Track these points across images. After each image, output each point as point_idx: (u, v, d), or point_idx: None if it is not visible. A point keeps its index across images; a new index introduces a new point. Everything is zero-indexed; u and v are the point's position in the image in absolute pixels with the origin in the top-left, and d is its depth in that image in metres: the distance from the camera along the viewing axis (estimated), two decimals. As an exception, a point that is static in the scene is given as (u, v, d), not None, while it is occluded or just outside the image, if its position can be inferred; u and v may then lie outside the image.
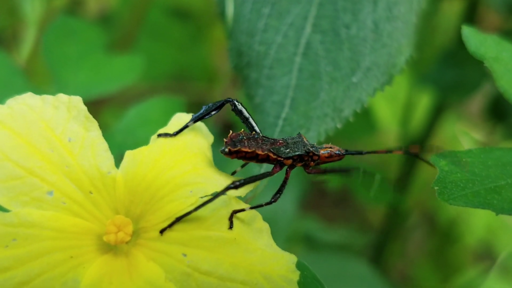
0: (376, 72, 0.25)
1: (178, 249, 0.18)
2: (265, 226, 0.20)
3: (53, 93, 0.19)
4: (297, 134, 0.21)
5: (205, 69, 0.73)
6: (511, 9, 0.43)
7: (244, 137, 0.20)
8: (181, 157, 0.20)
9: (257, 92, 0.25)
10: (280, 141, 0.21)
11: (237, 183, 0.19)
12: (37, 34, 0.36)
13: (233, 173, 0.22)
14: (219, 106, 0.21)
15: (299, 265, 0.19)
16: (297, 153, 0.20)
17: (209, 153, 0.21)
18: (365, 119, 0.52)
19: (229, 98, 0.21)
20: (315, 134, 0.24)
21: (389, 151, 0.22)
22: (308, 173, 0.22)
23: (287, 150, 0.20)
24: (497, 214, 0.19)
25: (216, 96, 0.69)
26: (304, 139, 0.21)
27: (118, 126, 0.30)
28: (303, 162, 0.21)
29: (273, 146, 0.20)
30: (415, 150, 0.21)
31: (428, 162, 0.21)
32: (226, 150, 0.20)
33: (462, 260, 0.70)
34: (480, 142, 0.41)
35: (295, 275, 0.19)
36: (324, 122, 0.24)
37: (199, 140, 0.21)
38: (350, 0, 0.25)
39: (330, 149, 0.21)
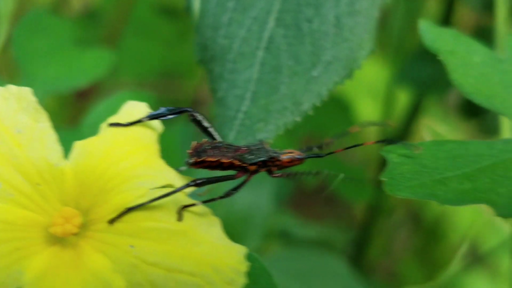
0: (336, 66, 0.25)
1: (125, 241, 0.18)
2: (216, 220, 0.20)
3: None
4: (259, 141, 0.22)
5: (193, 66, 0.73)
6: (486, 6, 0.43)
7: (208, 147, 0.21)
8: (133, 149, 0.20)
9: (220, 86, 0.26)
10: (243, 148, 0.21)
11: (199, 181, 0.20)
12: (10, 29, 0.36)
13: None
14: (177, 112, 0.22)
15: (249, 257, 0.20)
16: (261, 159, 0.21)
17: (158, 145, 0.21)
18: (344, 115, 0.52)
19: (188, 108, 0.22)
20: (273, 128, 0.24)
21: (360, 145, 0.22)
22: (272, 177, 0.22)
23: (251, 157, 0.21)
24: (441, 204, 0.19)
25: (203, 93, 0.69)
26: (266, 146, 0.22)
27: (86, 121, 0.30)
28: (267, 168, 0.21)
29: (237, 153, 0.21)
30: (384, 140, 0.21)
31: (404, 144, 0.21)
32: (191, 161, 0.20)
33: (447, 257, 0.70)
34: (445, 137, 0.41)
35: (244, 267, 0.19)
36: (284, 115, 0.24)
37: (149, 131, 0.21)
38: (313, -6, 0.25)
39: (291, 154, 0.21)
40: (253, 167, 0.21)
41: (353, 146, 0.22)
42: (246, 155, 0.21)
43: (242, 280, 0.19)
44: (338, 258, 0.45)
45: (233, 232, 0.43)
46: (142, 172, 0.19)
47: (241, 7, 0.26)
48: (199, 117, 0.21)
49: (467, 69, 0.23)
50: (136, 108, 0.21)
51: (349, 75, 0.25)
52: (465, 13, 0.50)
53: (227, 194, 0.21)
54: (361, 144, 0.22)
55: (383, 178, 0.20)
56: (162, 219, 0.19)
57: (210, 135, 0.22)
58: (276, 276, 0.44)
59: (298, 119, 0.24)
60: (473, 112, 0.44)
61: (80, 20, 0.65)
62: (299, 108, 0.24)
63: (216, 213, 0.44)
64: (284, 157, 0.21)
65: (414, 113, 0.50)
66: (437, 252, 0.73)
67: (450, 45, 0.23)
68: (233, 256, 0.19)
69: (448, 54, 0.23)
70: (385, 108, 0.55)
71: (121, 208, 0.19)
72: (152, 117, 0.21)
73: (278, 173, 0.22)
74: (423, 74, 0.46)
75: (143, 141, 0.20)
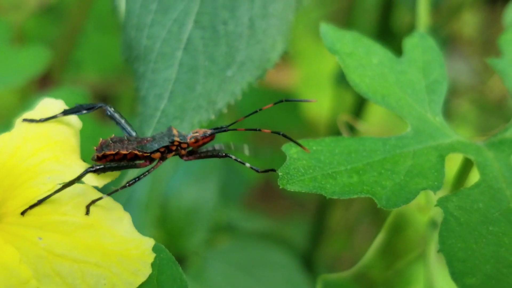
0: (250, 66, 0.26)
1: (34, 233, 0.20)
2: (126, 214, 0.21)
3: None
4: (167, 128, 0.23)
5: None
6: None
7: (111, 141, 0.22)
8: (43, 145, 0.21)
9: (143, 85, 0.27)
10: (148, 138, 0.22)
11: (97, 167, 0.21)
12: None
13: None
14: (91, 108, 0.23)
15: (156, 248, 0.21)
16: (163, 145, 0.22)
17: (74, 140, 0.22)
18: (293, 112, 0.54)
19: (102, 104, 0.23)
20: (188, 125, 0.25)
21: (257, 129, 0.24)
22: (185, 160, 0.23)
23: (153, 145, 0.22)
24: (327, 197, 0.21)
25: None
26: (174, 131, 0.23)
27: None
28: (174, 152, 0.23)
29: (139, 144, 0.22)
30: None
31: (296, 142, 0.23)
32: (94, 156, 0.22)
33: (407, 248, 0.72)
34: (359, 132, 0.43)
35: (150, 258, 0.20)
36: (198, 113, 0.26)
37: (63, 128, 0.22)
38: (229, -3, 0.27)
39: (196, 134, 0.23)
40: (156, 155, 0.22)
41: (250, 130, 0.24)
42: (147, 145, 0.22)
43: (148, 270, 0.20)
44: (284, 250, 0.47)
45: (180, 225, 0.45)
46: (51, 167, 0.21)
47: (163, 9, 0.28)
48: (113, 113, 0.23)
49: (365, 70, 0.25)
50: (52, 105, 0.23)
51: (262, 75, 0.27)
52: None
53: (129, 183, 0.22)
54: (259, 130, 0.23)
55: (280, 172, 0.22)
56: (70, 212, 0.20)
57: (124, 129, 0.23)
58: (222, 266, 0.46)
59: (212, 117, 0.26)
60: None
61: (39, 17, 0.66)
62: (214, 107, 0.26)
63: (163, 206, 0.45)
64: (190, 139, 0.22)
65: (360, 108, 0.52)
66: (398, 243, 0.75)
67: (349, 47, 0.25)
68: (139, 248, 0.21)
69: (346, 56, 0.25)
70: (334, 102, 0.57)
71: (30, 202, 0.20)
72: (66, 113, 0.22)
73: (189, 155, 0.23)
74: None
75: (55, 137, 0.22)
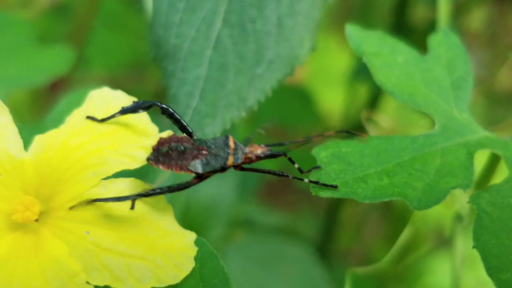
0: (279, 64, 0.27)
1: (82, 227, 0.21)
2: (168, 207, 0.22)
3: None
4: (225, 137, 0.22)
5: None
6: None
7: (170, 148, 0.21)
8: (87, 138, 0.22)
9: (173, 84, 0.28)
10: (203, 152, 0.22)
11: (150, 192, 0.21)
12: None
13: None
14: (147, 107, 0.23)
15: (198, 242, 0.22)
16: (216, 167, 0.22)
17: (125, 128, 0.22)
18: (307, 105, 0.55)
19: (157, 102, 0.23)
20: (220, 122, 0.26)
21: (322, 135, 0.23)
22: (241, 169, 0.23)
23: (203, 165, 0.22)
24: (360, 201, 0.22)
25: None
26: (229, 143, 0.22)
27: (49, 116, 0.32)
28: (224, 170, 0.22)
29: (195, 159, 0.21)
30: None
31: (354, 133, 0.23)
32: (149, 161, 0.21)
33: (416, 242, 0.73)
34: (386, 129, 0.44)
35: (193, 251, 0.21)
36: (230, 111, 0.26)
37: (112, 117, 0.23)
38: (257, -4, 0.28)
39: (249, 155, 0.22)
40: (210, 174, 0.22)
41: (315, 137, 0.23)
42: (197, 165, 0.21)
43: (191, 264, 0.21)
44: (299, 244, 0.48)
45: (198, 220, 0.46)
46: (94, 161, 0.22)
47: (190, 7, 0.29)
48: (169, 110, 0.23)
49: (391, 69, 0.25)
50: (102, 97, 0.23)
51: (291, 72, 0.27)
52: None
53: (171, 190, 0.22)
54: (322, 135, 0.23)
55: (311, 178, 0.22)
56: (115, 207, 0.21)
57: (183, 128, 0.22)
58: (240, 261, 0.46)
59: (243, 114, 0.27)
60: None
61: (48, 15, 0.66)
62: (244, 104, 0.27)
63: (181, 202, 0.46)
64: (242, 159, 0.22)
65: (373, 103, 0.53)
66: (407, 237, 0.76)
67: (374, 47, 0.26)
68: (182, 242, 0.21)
69: (372, 56, 0.25)
70: (347, 97, 0.57)
71: (77, 198, 0.21)
72: (123, 112, 0.23)
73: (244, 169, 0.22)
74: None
75: (100, 129, 0.22)
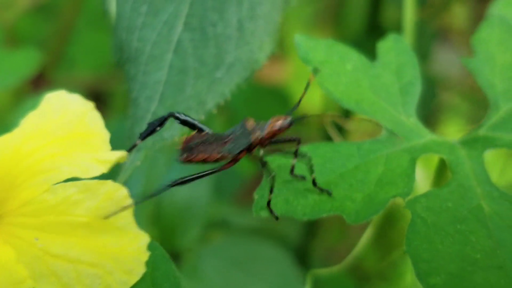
0: (238, 67, 0.27)
1: (31, 234, 0.21)
2: (129, 208, 0.22)
3: None
4: (243, 121, 0.23)
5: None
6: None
7: (198, 141, 0.23)
8: (41, 144, 0.22)
9: (134, 87, 0.28)
10: (230, 136, 0.23)
11: (179, 180, 0.22)
12: None
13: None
14: (162, 122, 0.24)
15: (150, 246, 0.22)
16: (245, 146, 0.23)
17: (84, 130, 0.22)
18: (286, 108, 0.55)
19: (171, 112, 0.24)
20: (179, 126, 0.26)
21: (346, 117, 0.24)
22: (265, 153, 0.24)
23: (236, 147, 0.23)
24: (299, 219, 0.22)
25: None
26: (249, 124, 0.23)
27: (11, 119, 0.32)
28: (254, 148, 0.23)
29: (225, 145, 0.23)
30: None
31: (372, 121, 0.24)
32: (183, 157, 0.22)
33: (401, 240, 0.73)
34: (347, 131, 0.44)
35: (145, 256, 0.21)
36: (189, 114, 0.27)
37: (68, 123, 0.23)
38: (218, 0, 0.28)
39: (275, 124, 0.23)
40: (242, 154, 0.23)
41: (339, 116, 0.25)
42: (231, 147, 0.23)
43: (142, 269, 0.21)
44: (277, 244, 0.48)
45: (174, 222, 0.46)
46: (47, 166, 0.22)
47: (153, 11, 0.29)
48: (183, 117, 0.24)
49: (339, 77, 0.26)
50: (57, 99, 0.23)
51: (250, 75, 0.28)
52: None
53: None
54: (347, 117, 0.24)
55: (256, 195, 0.22)
56: (65, 212, 0.21)
57: (199, 128, 0.23)
58: (216, 262, 0.47)
59: (202, 117, 0.27)
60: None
61: (31, 15, 0.66)
62: (203, 108, 0.27)
63: (157, 204, 0.46)
64: (267, 133, 0.23)
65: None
66: (391, 235, 0.76)
67: (323, 55, 0.26)
68: (135, 245, 0.21)
69: (319, 65, 0.26)
70: (325, 98, 0.58)
71: (28, 203, 0.21)
72: (143, 138, 0.23)
73: (268, 148, 0.24)
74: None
75: (56, 133, 0.22)
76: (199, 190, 0.46)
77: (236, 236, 0.48)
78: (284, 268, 0.46)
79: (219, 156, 0.23)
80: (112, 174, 0.27)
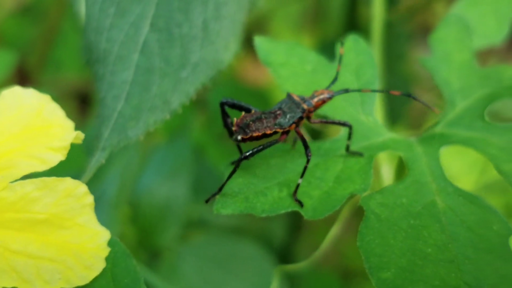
0: (203, 67, 0.28)
1: (-10, 230, 0.21)
2: (89, 201, 0.22)
3: None
4: (287, 96, 0.25)
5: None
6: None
7: (249, 121, 0.24)
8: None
9: (102, 87, 0.28)
10: (278, 112, 0.24)
11: (247, 154, 0.23)
12: None
13: None
14: (223, 113, 0.25)
15: (111, 242, 0.22)
16: (297, 117, 0.24)
17: (41, 124, 0.23)
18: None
19: (221, 101, 0.25)
20: (144, 125, 0.27)
21: (385, 91, 0.26)
22: (312, 123, 0.26)
23: (287, 120, 0.24)
24: (258, 216, 0.22)
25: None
26: (294, 97, 0.25)
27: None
28: (303, 120, 0.25)
29: (275, 120, 0.24)
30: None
31: (426, 104, 0.24)
32: (239, 138, 0.24)
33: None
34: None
35: (105, 252, 0.22)
36: (154, 113, 0.27)
37: (23, 118, 0.23)
38: (184, 0, 0.28)
39: (319, 98, 0.25)
40: (292, 126, 0.24)
41: (379, 91, 0.25)
42: (282, 120, 0.24)
43: (102, 264, 0.22)
44: (256, 243, 0.48)
45: (153, 221, 0.47)
46: (4, 164, 0.22)
47: (120, 12, 0.29)
48: (231, 101, 0.25)
49: (298, 78, 0.26)
50: (14, 96, 0.24)
51: (215, 75, 0.28)
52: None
53: (310, 154, 0.23)
54: (387, 91, 0.25)
55: (217, 196, 0.23)
56: (23, 209, 0.22)
57: (246, 109, 0.25)
58: (194, 261, 0.47)
59: (167, 116, 0.27)
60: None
61: (16, 17, 0.66)
62: (168, 107, 0.27)
63: (135, 204, 0.47)
64: (314, 102, 0.24)
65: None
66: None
67: (283, 57, 0.26)
68: (95, 242, 0.22)
69: (279, 66, 0.26)
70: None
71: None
72: (231, 132, 0.24)
73: (315, 119, 0.25)
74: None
75: (12, 130, 0.23)
76: (178, 190, 0.46)
77: (215, 235, 0.49)
78: (263, 266, 0.46)
79: (271, 131, 0.24)
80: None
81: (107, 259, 0.22)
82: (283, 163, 0.24)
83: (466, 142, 0.25)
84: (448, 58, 0.27)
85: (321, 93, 0.25)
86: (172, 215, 0.46)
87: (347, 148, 0.25)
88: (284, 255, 0.58)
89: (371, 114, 0.26)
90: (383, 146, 0.25)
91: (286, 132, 0.24)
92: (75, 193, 0.22)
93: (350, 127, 0.24)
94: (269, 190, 0.23)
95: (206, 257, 0.47)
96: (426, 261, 0.20)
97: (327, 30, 0.58)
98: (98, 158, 0.26)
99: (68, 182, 0.22)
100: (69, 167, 0.28)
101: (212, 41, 0.28)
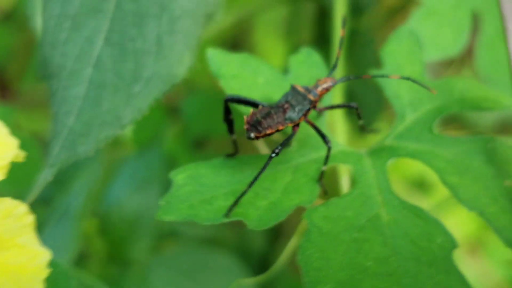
0: (156, 82, 0.28)
1: None
2: (30, 220, 0.22)
3: None
4: (292, 89, 0.25)
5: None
6: (354, 11, 0.47)
7: (260, 117, 0.24)
8: None
9: (55, 102, 0.28)
10: (286, 105, 0.24)
11: (277, 150, 0.23)
12: None
13: None
14: (226, 109, 0.25)
15: (52, 263, 0.22)
16: (305, 109, 0.25)
17: None
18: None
19: (226, 98, 0.25)
20: (93, 141, 0.27)
21: (385, 76, 0.26)
22: (319, 111, 0.26)
23: (297, 113, 0.24)
24: (201, 224, 0.22)
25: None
26: (299, 88, 0.25)
27: None
28: (310, 111, 0.25)
29: (285, 114, 0.24)
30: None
31: (425, 86, 0.24)
32: (252, 136, 0.24)
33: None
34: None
35: (44, 273, 0.21)
36: (104, 129, 0.27)
37: None
38: (138, 15, 0.29)
39: (322, 87, 0.25)
40: (302, 118, 0.25)
41: (380, 76, 0.26)
42: (292, 114, 0.24)
43: (40, 286, 0.21)
44: (226, 254, 0.48)
45: (123, 234, 0.46)
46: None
47: (75, 26, 0.29)
48: (237, 97, 0.25)
49: (250, 90, 0.26)
50: None
51: (169, 90, 0.28)
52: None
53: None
54: (387, 76, 0.26)
55: (161, 202, 0.23)
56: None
57: (252, 104, 0.25)
58: (165, 273, 0.47)
59: (118, 132, 0.27)
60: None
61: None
62: (119, 122, 0.27)
63: (104, 216, 0.47)
64: (318, 92, 0.25)
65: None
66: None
67: (235, 69, 0.26)
68: (35, 263, 0.21)
69: (231, 79, 0.26)
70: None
71: None
72: (232, 131, 0.26)
73: (321, 107, 0.26)
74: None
75: None
76: (149, 201, 0.46)
77: (187, 246, 0.48)
78: (235, 277, 0.46)
79: (283, 127, 0.24)
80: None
81: (46, 280, 0.22)
82: (232, 174, 0.24)
83: (414, 155, 0.25)
84: (399, 71, 0.27)
85: (324, 82, 0.25)
86: (143, 227, 0.46)
87: (362, 127, 0.26)
88: (262, 265, 0.58)
89: (323, 125, 0.26)
90: (332, 159, 0.25)
91: (297, 125, 0.25)
92: (15, 213, 0.21)
93: (356, 108, 0.25)
94: (215, 199, 0.23)
95: (177, 268, 0.46)
96: (365, 275, 0.20)
97: (299, 38, 0.58)
98: (46, 175, 0.26)
99: (7, 203, 0.21)
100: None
101: (166, 55, 0.28)
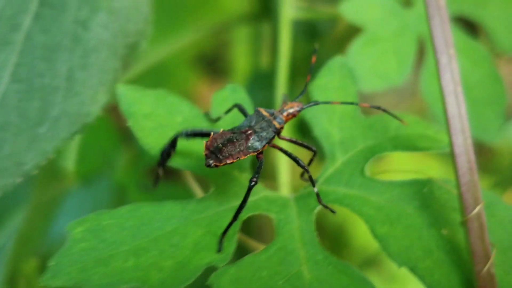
0: (65, 121, 0.25)
1: None
2: None
3: None
4: (256, 112, 0.24)
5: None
6: (310, 35, 0.46)
7: (220, 144, 0.22)
8: None
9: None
10: (249, 131, 0.23)
11: (254, 179, 0.22)
12: None
13: None
14: (173, 142, 0.24)
15: None
16: (270, 137, 0.23)
17: None
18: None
19: (177, 134, 0.24)
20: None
21: (355, 103, 0.25)
22: (280, 139, 0.25)
23: (260, 141, 0.23)
24: None
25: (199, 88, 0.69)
26: (263, 112, 0.24)
27: None
28: (274, 137, 0.24)
29: (247, 142, 0.23)
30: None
31: (395, 117, 0.23)
32: (211, 164, 0.22)
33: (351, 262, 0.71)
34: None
35: None
36: (3, 177, 0.24)
37: None
38: (49, 48, 0.26)
39: (288, 112, 0.24)
40: (265, 147, 0.23)
41: (349, 103, 0.24)
42: (255, 142, 0.23)
43: None
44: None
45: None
46: None
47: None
48: (191, 131, 0.24)
49: (165, 130, 0.24)
50: None
51: (80, 130, 0.26)
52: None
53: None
54: (356, 104, 0.24)
55: (51, 263, 0.20)
56: None
57: (206, 133, 0.23)
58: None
59: (19, 180, 0.24)
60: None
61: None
62: (21, 169, 0.24)
63: (47, 255, 0.43)
64: (284, 117, 0.24)
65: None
66: (341, 257, 0.74)
67: (149, 107, 0.24)
68: None
69: (143, 118, 0.24)
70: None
71: None
72: (162, 165, 0.24)
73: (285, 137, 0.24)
74: (259, 97, 0.47)
75: None
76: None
77: None
78: None
79: (245, 156, 0.22)
80: None
81: None
82: (138, 226, 0.21)
83: (342, 201, 0.22)
84: (330, 107, 0.25)
85: (291, 107, 0.24)
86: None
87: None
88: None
89: (246, 170, 0.24)
90: (254, 207, 0.22)
91: (261, 152, 0.23)
92: None
93: (315, 152, 0.24)
94: (113, 258, 0.20)
95: None
96: None
97: (260, 59, 0.56)
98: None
99: None
100: None
101: (77, 92, 0.26)
